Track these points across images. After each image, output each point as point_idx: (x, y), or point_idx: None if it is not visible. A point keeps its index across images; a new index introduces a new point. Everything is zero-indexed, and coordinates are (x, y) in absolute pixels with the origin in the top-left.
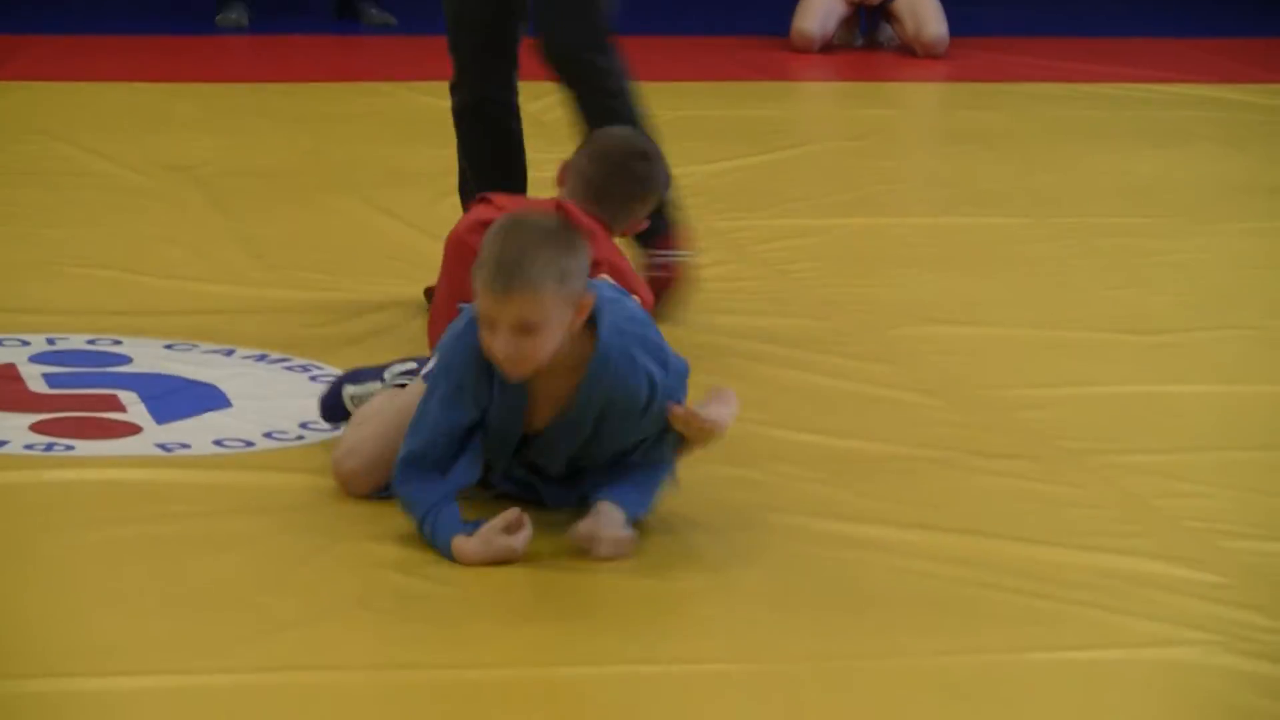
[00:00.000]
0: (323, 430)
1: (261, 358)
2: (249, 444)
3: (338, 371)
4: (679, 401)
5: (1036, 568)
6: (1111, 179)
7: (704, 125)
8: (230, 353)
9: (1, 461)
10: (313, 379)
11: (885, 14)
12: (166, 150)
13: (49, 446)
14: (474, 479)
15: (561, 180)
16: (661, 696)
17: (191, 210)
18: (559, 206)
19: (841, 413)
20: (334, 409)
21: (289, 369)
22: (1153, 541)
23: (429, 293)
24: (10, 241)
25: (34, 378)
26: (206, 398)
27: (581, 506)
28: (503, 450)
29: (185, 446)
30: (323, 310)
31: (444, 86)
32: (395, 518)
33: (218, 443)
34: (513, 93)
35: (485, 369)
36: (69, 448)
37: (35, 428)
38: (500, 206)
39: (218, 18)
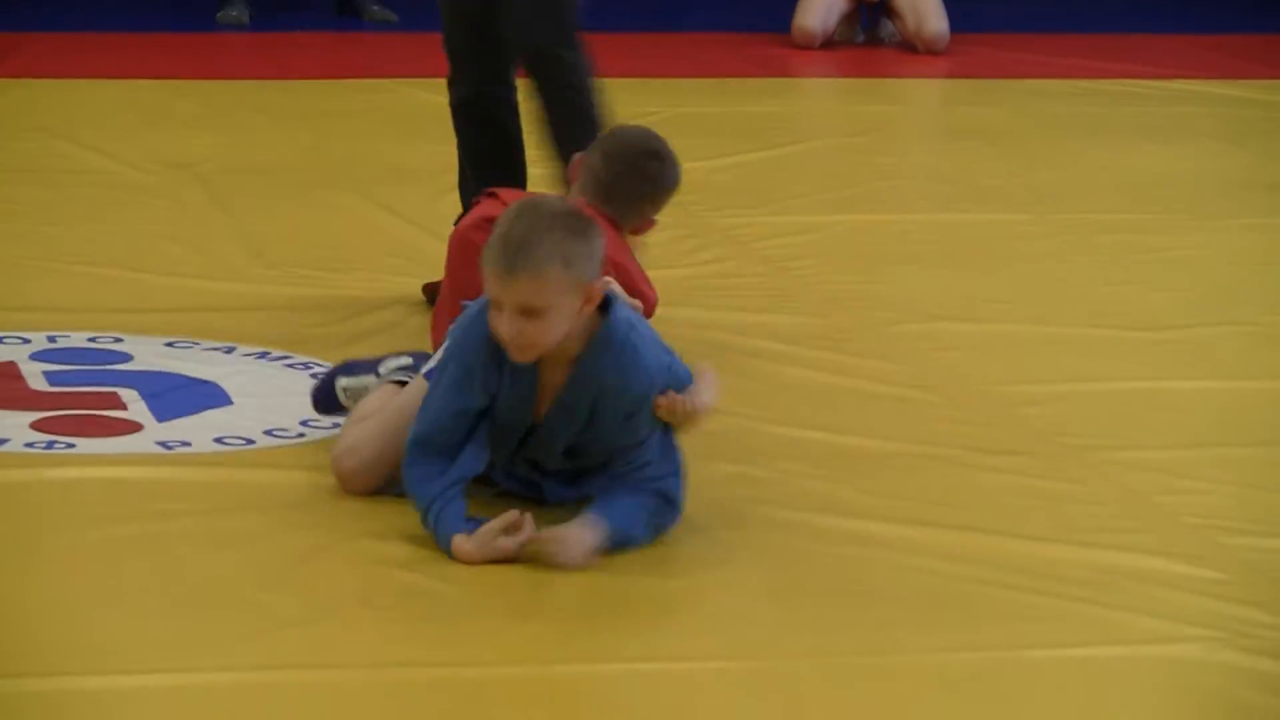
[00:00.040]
0: (323, 428)
1: (262, 355)
2: (250, 442)
3: None
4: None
5: (1037, 564)
6: (1111, 175)
7: (705, 121)
8: (231, 350)
9: (2, 460)
10: (313, 376)
11: (886, 10)
12: (167, 147)
13: (49, 444)
14: (479, 470)
15: (573, 176)
16: (662, 693)
17: (192, 207)
18: None
19: (842, 409)
20: (327, 400)
21: (290, 366)
22: (1153, 538)
23: (427, 289)
24: (10, 239)
25: (34, 375)
26: (207, 395)
27: (582, 505)
28: (508, 440)
29: (186, 444)
30: (323, 307)
31: (445, 83)
32: (396, 516)
33: (218, 440)
34: (509, 88)
35: (495, 355)
36: (70, 446)
37: (36, 426)
38: (506, 201)
39: (218, 15)
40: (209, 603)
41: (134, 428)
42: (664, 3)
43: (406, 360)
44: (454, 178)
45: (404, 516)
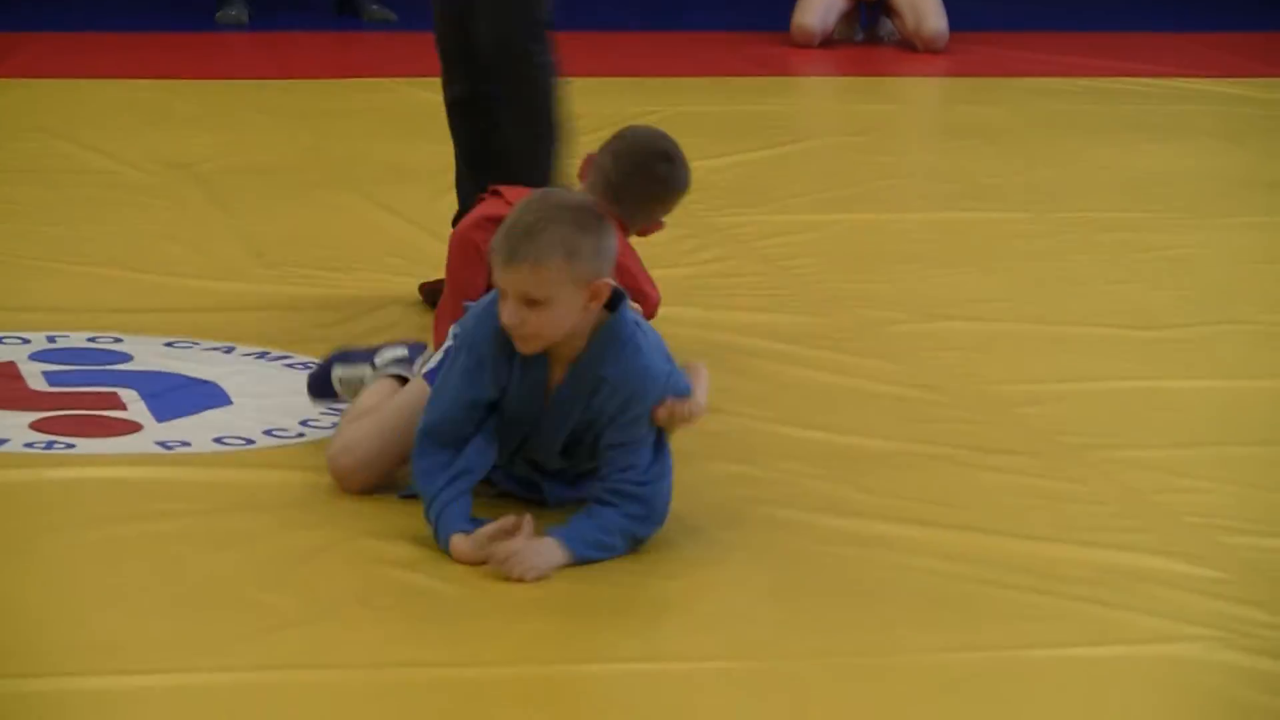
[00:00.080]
0: (323, 428)
1: (262, 355)
2: (249, 442)
3: None
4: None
5: (1037, 563)
6: (1111, 173)
7: (704, 120)
8: (230, 350)
9: (1, 460)
10: None
11: (885, 9)
12: (166, 147)
13: (49, 445)
14: (487, 466)
15: (583, 175)
16: (662, 693)
17: (191, 207)
18: None
19: (842, 409)
20: (321, 387)
21: (289, 366)
22: (1153, 537)
23: (424, 289)
24: (10, 239)
25: (34, 376)
26: (207, 395)
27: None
28: (512, 437)
29: (185, 444)
30: (323, 307)
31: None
32: (396, 515)
33: (218, 440)
34: None
35: (506, 348)
36: (69, 446)
37: (35, 426)
38: (509, 200)
39: (218, 14)
40: (209, 603)
41: (134, 428)
42: (663, 1)
43: (402, 352)
44: (454, 177)
45: (404, 516)
